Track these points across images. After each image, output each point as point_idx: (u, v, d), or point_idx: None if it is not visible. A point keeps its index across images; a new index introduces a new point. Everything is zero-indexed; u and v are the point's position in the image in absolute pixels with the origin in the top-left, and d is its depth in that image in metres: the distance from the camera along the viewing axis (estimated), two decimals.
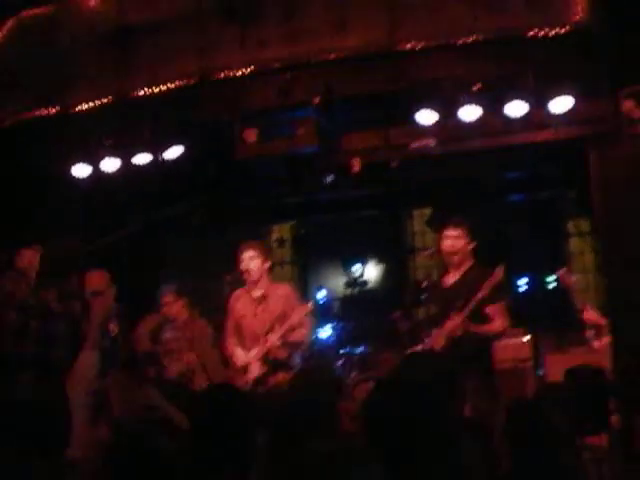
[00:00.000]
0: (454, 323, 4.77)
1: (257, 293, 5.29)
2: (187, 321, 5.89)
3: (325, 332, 7.35)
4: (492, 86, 5.11)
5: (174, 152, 5.80)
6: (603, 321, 5.77)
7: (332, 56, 5.26)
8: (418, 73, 5.22)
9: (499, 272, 4.85)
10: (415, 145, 5.64)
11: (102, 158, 5.86)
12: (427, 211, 8.25)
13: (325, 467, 2.20)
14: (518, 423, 2.57)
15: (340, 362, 7.11)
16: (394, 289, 8.55)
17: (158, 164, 5.77)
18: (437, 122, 5.28)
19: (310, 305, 5.34)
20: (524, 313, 6.26)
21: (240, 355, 5.22)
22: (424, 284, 5.18)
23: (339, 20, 5.31)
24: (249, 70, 5.44)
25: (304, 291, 8.59)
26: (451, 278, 5.08)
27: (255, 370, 5.12)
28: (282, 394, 2.66)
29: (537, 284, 7.68)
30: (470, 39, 4.92)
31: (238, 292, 5.39)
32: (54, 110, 5.90)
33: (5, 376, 3.47)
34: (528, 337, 6.48)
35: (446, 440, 1.91)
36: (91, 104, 5.75)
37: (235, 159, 5.72)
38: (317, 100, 5.44)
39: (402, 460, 1.88)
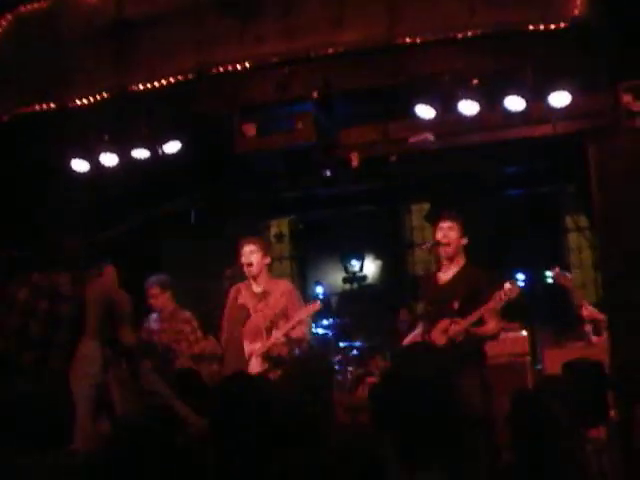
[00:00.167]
0: (458, 328, 4.76)
1: (258, 289, 5.29)
2: (173, 312, 5.88)
3: (323, 327, 7.35)
4: (491, 80, 5.11)
5: (173, 147, 5.79)
6: (602, 317, 5.77)
7: (330, 51, 5.25)
8: (417, 67, 5.21)
9: (514, 287, 4.84)
10: (414, 139, 5.64)
11: (100, 153, 5.85)
12: (426, 206, 8.26)
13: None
14: (522, 415, 2.57)
15: (338, 357, 7.12)
16: (393, 284, 8.57)
17: (157, 159, 5.77)
18: (436, 116, 5.28)
19: (318, 304, 5.32)
20: (522, 308, 6.26)
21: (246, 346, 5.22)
22: (420, 275, 5.16)
23: (337, 15, 5.30)
24: (247, 65, 5.44)
25: (302, 286, 8.61)
26: (445, 275, 5.07)
27: (256, 366, 5.12)
28: (277, 383, 2.65)
29: (535, 279, 7.69)
30: (469, 33, 4.92)
31: (239, 286, 5.38)
32: (52, 105, 5.89)
33: (9, 356, 3.47)
34: (525, 332, 6.50)
35: (454, 426, 1.92)
36: (89, 99, 5.74)
37: (234, 153, 5.72)
38: (315, 95, 5.44)
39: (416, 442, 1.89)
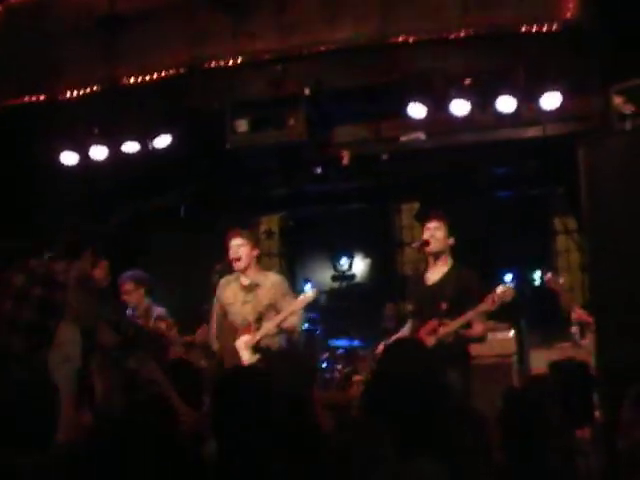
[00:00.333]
0: (447, 329, 4.77)
1: (246, 281, 5.26)
2: (148, 309, 5.83)
3: (311, 325, 7.34)
4: (483, 81, 5.12)
5: (163, 141, 5.77)
6: (590, 319, 5.78)
7: (323, 49, 5.25)
8: (409, 66, 5.22)
9: (508, 290, 4.86)
10: (405, 138, 5.65)
11: (90, 146, 5.82)
12: (416, 205, 8.26)
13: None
14: (512, 414, 2.57)
15: (326, 355, 7.11)
16: (382, 283, 8.56)
17: (147, 153, 5.75)
18: (427, 115, 5.28)
19: (311, 294, 5.29)
20: (509, 309, 6.28)
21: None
22: (408, 275, 5.16)
23: (331, 12, 5.30)
24: (240, 61, 5.43)
25: (291, 284, 8.57)
26: (433, 276, 5.07)
27: (245, 358, 5.09)
28: (259, 373, 2.63)
29: (523, 280, 7.71)
30: (462, 33, 4.93)
31: (226, 279, 5.35)
32: (42, 97, 5.86)
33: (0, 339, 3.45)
34: (512, 332, 6.52)
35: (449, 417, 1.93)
36: (80, 91, 5.71)
37: (225, 149, 5.70)
38: (308, 92, 5.44)
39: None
